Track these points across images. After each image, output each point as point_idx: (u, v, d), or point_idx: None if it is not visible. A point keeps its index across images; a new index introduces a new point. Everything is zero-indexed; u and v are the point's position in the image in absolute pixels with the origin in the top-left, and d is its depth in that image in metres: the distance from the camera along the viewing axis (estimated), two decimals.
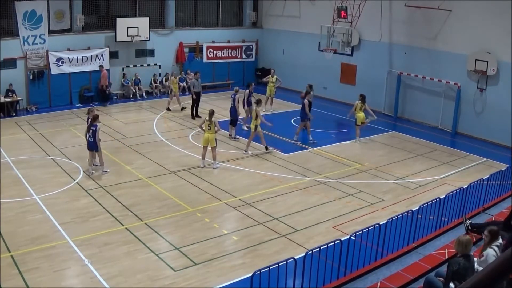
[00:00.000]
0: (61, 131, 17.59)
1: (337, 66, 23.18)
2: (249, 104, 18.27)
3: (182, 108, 20.97)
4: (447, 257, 8.03)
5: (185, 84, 24.11)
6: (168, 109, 20.98)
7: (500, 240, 6.99)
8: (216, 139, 14.25)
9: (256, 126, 15.55)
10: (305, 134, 17.29)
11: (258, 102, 16.02)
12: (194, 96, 19.65)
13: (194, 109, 19.89)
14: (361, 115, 17.09)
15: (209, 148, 14.22)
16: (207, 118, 14.22)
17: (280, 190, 12.88)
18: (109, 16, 22.71)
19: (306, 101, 16.86)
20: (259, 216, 11.29)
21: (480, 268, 6.69)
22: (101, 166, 13.48)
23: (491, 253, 6.78)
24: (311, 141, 16.91)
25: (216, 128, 14.10)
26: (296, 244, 10.02)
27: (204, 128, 14.24)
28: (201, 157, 14.39)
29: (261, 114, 16.18)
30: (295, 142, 16.96)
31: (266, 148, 15.84)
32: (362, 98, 17.17)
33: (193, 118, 19.71)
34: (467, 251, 6.61)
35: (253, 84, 19.29)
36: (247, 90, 18.71)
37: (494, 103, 17.75)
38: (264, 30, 27.50)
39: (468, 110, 18.67)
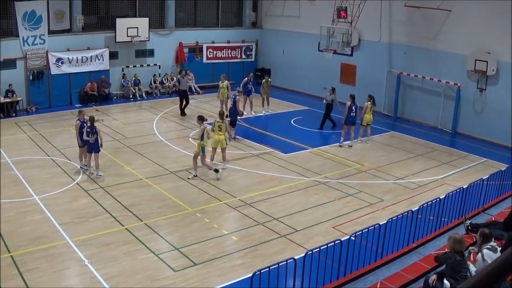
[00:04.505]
0: (61, 132, 17.58)
1: (337, 66, 23.18)
2: (247, 92, 19.94)
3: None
4: None
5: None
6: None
7: (492, 242, 6.98)
8: (226, 140, 14.20)
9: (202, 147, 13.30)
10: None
11: (201, 118, 13.59)
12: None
13: (182, 106, 20.25)
14: (368, 116, 17.05)
15: (218, 150, 14.13)
16: (218, 119, 14.09)
17: (280, 190, 12.88)
18: (109, 17, 22.71)
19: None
20: (259, 216, 11.29)
21: (475, 270, 6.72)
22: (97, 169, 13.40)
23: (486, 252, 6.79)
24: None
25: (227, 130, 14.03)
26: (296, 244, 10.01)
27: (214, 129, 14.07)
28: (210, 159, 14.23)
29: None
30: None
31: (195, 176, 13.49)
32: (372, 99, 17.16)
33: (181, 114, 20.17)
34: (463, 248, 6.64)
35: (251, 74, 21.08)
36: (246, 79, 20.11)
37: (494, 103, 17.74)
38: (264, 30, 27.50)
39: (468, 110, 18.66)
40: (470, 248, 7.23)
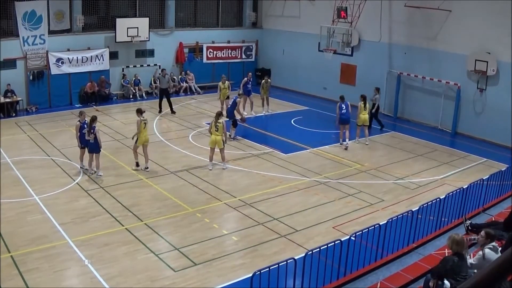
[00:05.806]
0: (61, 132, 17.58)
1: (337, 67, 23.17)
2: (247, 92, 19.90)
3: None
4: None
5: (185, 84, 24.23)
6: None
7: (494, 242, 6.99)
8: (223, 140, 14.20)
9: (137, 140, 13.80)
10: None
11: (139, 111, 13.89)
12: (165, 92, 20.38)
13: (168, 105, 20.34)
14: (363, 116, 17.00)
15: (217, 149, 14.12)
16: (215, 119, 14.07)
17: (280, 191, 12.87)
18: (109, 17, 22.71)
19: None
20: (259, 216, 11.29)
21: (473, 263, 6.75)
22: (97, 169, 13.40)
23: (488, 252, 6.80)
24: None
25: (224, 131, 14.01)
26: (296, 244, 10.01)
27: (211, 130, 14.10)
28: (209, 160, 14.24)
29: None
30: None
31: (137, 164, 13.96)
32: (364, 99, 17.12)
33: (160, 112, 20.28)
34: (461, 249, 6.65)
35: (250, 74, 21.01)
36: (245, 79, 20.17)
37: (494, 103, 17.74)
38: (264, 31, 27.50)
39: (468, 110, 18.66)
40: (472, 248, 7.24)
